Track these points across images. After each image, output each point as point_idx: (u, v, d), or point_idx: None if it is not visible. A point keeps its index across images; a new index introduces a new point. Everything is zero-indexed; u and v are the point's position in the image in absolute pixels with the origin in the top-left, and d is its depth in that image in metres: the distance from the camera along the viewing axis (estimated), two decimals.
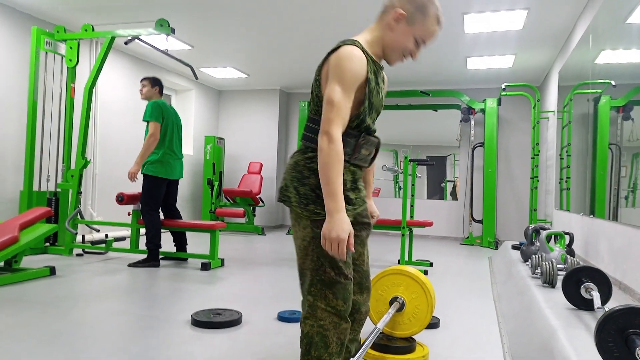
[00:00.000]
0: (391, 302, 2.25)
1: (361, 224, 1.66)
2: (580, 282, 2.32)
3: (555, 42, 5.75)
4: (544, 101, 7.26)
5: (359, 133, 1.54)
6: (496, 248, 6.95)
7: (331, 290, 1.47)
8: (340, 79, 1.42)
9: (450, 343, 2.56)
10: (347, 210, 1.49)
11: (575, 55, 5.07)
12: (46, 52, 5.15)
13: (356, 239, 1.64)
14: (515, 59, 6.47)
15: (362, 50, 1.48)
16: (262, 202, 8.33)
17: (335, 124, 1.40)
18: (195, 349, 2.32)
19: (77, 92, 5.33)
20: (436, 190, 9.53)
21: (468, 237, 7.70)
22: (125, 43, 4.94)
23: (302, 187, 1.51)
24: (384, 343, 2.24)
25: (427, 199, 8.85)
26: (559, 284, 2.72)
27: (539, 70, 7.08)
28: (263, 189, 8.90)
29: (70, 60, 5.03)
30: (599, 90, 4.21)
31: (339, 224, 1.36)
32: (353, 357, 1.68)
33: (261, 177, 8.56)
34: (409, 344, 2.25)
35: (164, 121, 4.54)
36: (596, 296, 2.17)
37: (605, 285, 2.26)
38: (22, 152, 5.22)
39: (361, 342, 1.79)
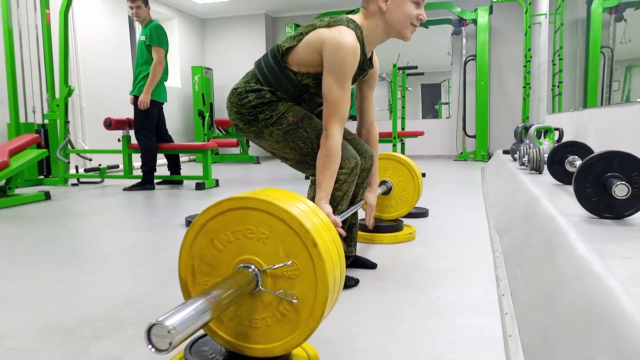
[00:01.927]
0: (380, 185, 2.29)
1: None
2: (565, 158, 2.34)
3: None
4: (536, 6, 7.05)
5: (305, 90, 1.61)
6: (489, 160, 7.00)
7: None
8: (339, 75, 1.48)
9: (438, 226, 2.62)
10: None
11: None
12: None
13: None
14: None
15: (358, 39, 1.50)
16: None
17: (334, 122, 1.48)
18: None
19: (53, 18, 5.14)
20: (430, 111, 9.49)
21: (462, 153, 7.73)
22: None
23: (243, 108, 1.61)
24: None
25: (422, 119, 8.81)
26: (546, 170, 2.75)
27: None
28: (235, 131, 8.81)
29: None
30: None
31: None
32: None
33: None
34: (396, 224, 2.31)
35: (165, 46, 4.40)
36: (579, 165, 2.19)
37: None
38: (4, 84, 5.11)
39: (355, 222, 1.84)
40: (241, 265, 1.00)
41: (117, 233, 2.66)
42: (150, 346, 0.72)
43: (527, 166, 3.11)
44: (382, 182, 2.29)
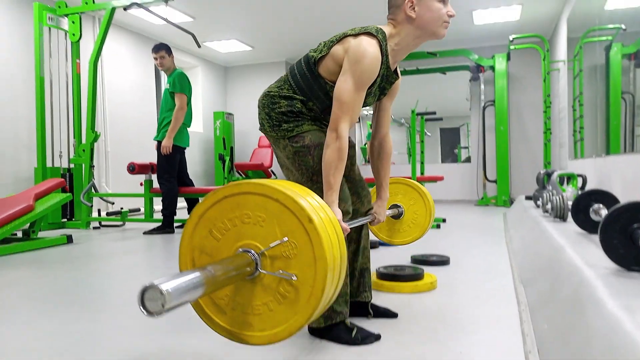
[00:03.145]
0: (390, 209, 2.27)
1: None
2: (589, 206, 2.29)
3: None
4: (554, 52, 7.10)
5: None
6: (511, 206, 6.89)
7: (345, 217, 1.53)
8: (355, 77, 1.46)
9: (460, 275, 2.56)
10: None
11: (582, 1, 4.93)
12: (49, 28, 5.18)
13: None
14: (522, 9, 6.32)
15: (382, 49, 1.50)
16: (274, 174, 8.36)
17: (344, 122, 1.46)
18: None
19: (83, 67, 5.36)
20: (449, 155, 9.48)
21: (482, 198, 7.64)
22: (125, 9, 4.91)
23: (273, 112, 1.61)
24: (393, 273, 2.25)
25: (441, 163, 8.79)
26: (570, 218, 2.69)
27: (546, 21, 6.91)
28: (274, 161, 8.91)
29: (74, 34, 5.06)
30: (610, 37, 4.09)
31: None
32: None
33: (272, 150, 8.57)
34: (417, 272, 2.26)
35: (188, 93, 4.53)
36: (605, 215, 2.14)
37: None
38: (33, 130, 5.29)
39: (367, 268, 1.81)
40: (241, 250, 1.00)
41: (134, 279, 2.66)
42: (142, 308, 0.72)
43: (550, 213, 3.04)
44: (394, 206, 2.26)
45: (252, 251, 0.99)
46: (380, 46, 1.49)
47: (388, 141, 1.81)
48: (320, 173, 1.52)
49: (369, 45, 1.46)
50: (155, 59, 4.56)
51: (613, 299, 1.14)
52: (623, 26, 3.80)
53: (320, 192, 1.53)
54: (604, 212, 2.17)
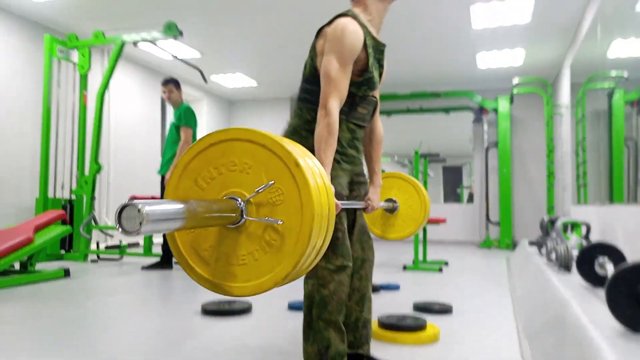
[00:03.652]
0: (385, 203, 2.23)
1: (358, 183, 1.71)
2: (594, 259, 2.26)
3: (565, 34, 5.70)
4: (557, 97, 7.17)
5: (353, 95, 1.56)
6: (514, 249, 6.82)
7: (330, 248, 1.46)
8: (338, 53, 1.45)
9: (463, 326, 2.50)
10: (345, 167, 1.55)
11: (585, 48, 5.00)
12: (59, 60, 5.26)
13: (357, 198, 1.69)
14: (525, 54, 6.42)
15: (359, 22, 1.50)
16: None
17: (332, 98, 1.44)
18: (204, 333, 2.30)
19: (90, 99, 5.42)
20: (452, 195, 9.46)
21: (485, 240, 7.57)
22: (134, 44, 5.00)
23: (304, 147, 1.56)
24: (395, 323, 2.20)
25: (444, 203, 8.77)
26: (575, 268, 2.65)
27: (549, 66, 7.00)
28: None
29: (83, 67, 5.14)
30: (612, 85, 4.14)
31: None
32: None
33: None
34: (419, 323, 2.20)
35: (194, 127, 4.56)
36: (610, 270, 2.11)
37: (619, 260, 2.19)
38: (37, 159, 5.31)
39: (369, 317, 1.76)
40: (226, 197, 0.97)
41: (131, 321, 2.60)
42: (118, 225, 0.70)
43: (554, 263, 3.00)
44: (389, 200, 2.22)
45: (238, 199, 0.96)
46: (356, 19, 1.51)
47: (378, 126, 1.79)
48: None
49: (345, 22, 1.47)
50: (164, 92, 4.61)
51: None
52: (625, 74, 3.84)
53: None
54: (609, 266, 2.14)
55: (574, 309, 1.73)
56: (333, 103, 1.44)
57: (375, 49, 1.58)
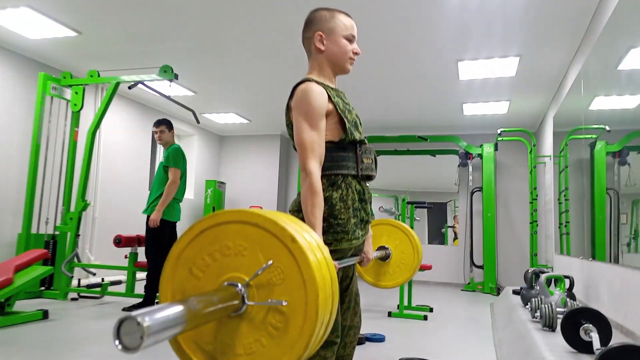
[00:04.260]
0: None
1: (358, 254, 1.74)
2: (579, 324, 2.29)
3: (549, 88, 5.89)
4: (540, 146, 7.35)
5: (354, 146, 1.63)
6: (498, 294, 6.84)
7: (324, 350, 1.48)
8: (305, 115, 1.52)
9: None
10: (350, 242, 1.56)
11: (569, 102, 5.17)
12: (52, 97, 5.27)
13: (351, 267, 1.72)
14: (510, 105, 6.61)
15: (317, 83, 1.59)
16: None
17: (310, 160, 1.48)
18: None
19: (81, 135, 5.41)
20: (436, 236, 9.50)
21: (469, 283, 7.59)
22: (130, 87, 5.07)
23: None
24: None
25: (428, 244, 8.80)
26: (559, 327, 2.68)
27: (534, 116, 7.21)
28: None
29: (75, 104, 5.15)
30: (594, 136, 4.26)
31: None
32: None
33: None
34: None
35: (182, 168, 4.54)
36: (595, 338, 2.14)
37: (605, 327, 2.23)
38: (22, 194, 5.25)
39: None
40: (225, 284, 0.93)
41: None
42: (118, 343, 0.67)
43: (539, 321, 3.02)
44: (381, 248, 2.21)
45: (238, 284, 0.92)
46: (314, 81, 1.58)
47: None
48: None
49: (305, 86, 1.55)
50: (155, 132, 4.63)
51: None
52: (607, 127, 3.95)
53: None
54: (593, 334, 2.17)
55: None
56: (312, 164, 1.48)
57: (338, 96, 1.67)
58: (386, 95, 6.27)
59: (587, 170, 4.51)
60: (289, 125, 1.63)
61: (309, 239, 0.97)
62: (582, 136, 4.70)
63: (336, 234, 1.53)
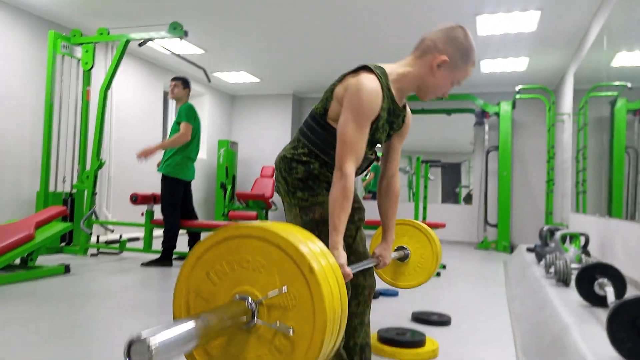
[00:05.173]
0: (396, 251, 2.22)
1: (354, 209, 1.68)
2: (593, 279, 2.28)
3: (570, 44, 5.69)
4: (559, 104, 7.18)
5: None
6: (511, 252, 6.86)
7: None
8: (355, 114, 1.44)
9: (462, 340, 2.52)
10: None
11: (590, 58, 5.01)
12: (62, 56, 5.24)
13: (351, 224, 1.67)
14: (529, 61, 6.42)
15: (381, 83, 1.49)
16: (275, 205, 8.35)
17: (349, 161, 1.43)
18: None
19: (93, 95, 5.41)
20: (450, 195, 9.47)
21: (483, 242, 7.61)
22: (140, 45, 5.01)
23: (289, 177, 1.60)
24: (394, 338, 2.22)
25: (442, 203, 8.80)
26: (573, 283, 2.68)
27: (553, 73, 7.01)
28: (275, 192, 8.91)
29: (86, 63, 5.12)
30: (615, 93, 4.15)
31: (336, 258, 1.37)
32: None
33: (274, 181, 8.57)
34: (419, 339, 2.23)
35: (195, 124, 4.56)
36: (610, 291, 2.13)
37: (619, 282, 2.22)
38: (38, 154, 5.31)
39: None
40: (237, 296, 0.94)
41: (131, 326, 2.62)
42: None
43: (553, 277, 3.03)
44: (400, 248, 2.21)
45: (249, 298, 0.93)
46: (379, 80, 1.48)
47: (396, 182, 1.78)
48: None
49: (367, 79, 1.45)
50: (170, 86, 4.65)
51: None
52: (629, 84, 3.84)
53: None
54: (608, 288, 2.16)
55: (574, 337, 1.75)
56: (349, 165, 1.43)
57: (390, 111, 1.57)
58: (401, 51, 6.10)
59: (606, 128, 4.42)
60: (330, 92, 1.55)
61: (325, 264, 0.97)
62: (602, 93, 4.58)
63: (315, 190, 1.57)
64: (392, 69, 1.56)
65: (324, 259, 0.98)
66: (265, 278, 0.94)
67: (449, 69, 1.53)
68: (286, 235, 0.93)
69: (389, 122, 1.60)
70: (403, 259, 2.20)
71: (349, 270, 1.37)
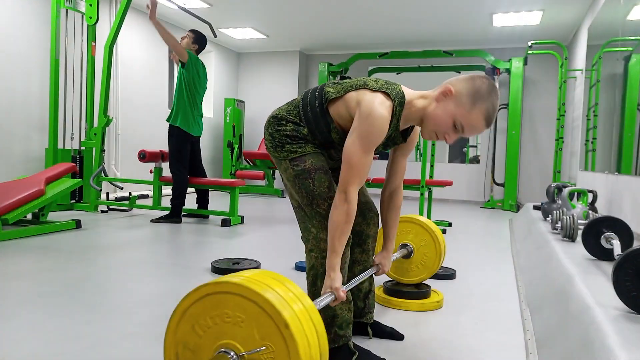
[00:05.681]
0: (400, 249, 2.26)
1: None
2: (600, 233, 2.29)
3: None
4: (572, 60, 7.02)
5: (331, 143, 1.63)
6: (517, 211, 6.87)
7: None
8: (364, 140, 1.44)
9: (466, 292, 2.57)
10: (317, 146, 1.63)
11: (606, 11, 4.85)
12: (66, 10, 5.16)
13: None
14: (542, 15, 6.23)
15: (394, 114, 1.49)
16: None
17: (353, 185, 1.45)
18: None
19: (98, 50, 5.35)
20: (457, 154, 9.43)
21: (489, 201, 7.62)
22: None
23: (277, 133, 1.62)
24: (398, 289, 2.26)
25: (448, 162, 8.77)
26: (580, 238, 2.68)
27: (567, 28, 6.81)
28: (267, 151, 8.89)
29: (90, 17, 5.04)
30: (630, 49, 4.04)
31: (332, 281, 1.42)
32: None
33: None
34: (424, 290, 2.27)
35: (196, 71, 4.55)
36: (617, 245, 2.14)
37: (626, 235, 2.22)
38: (46, 110, 5.30)
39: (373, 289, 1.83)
40: (221, 350, 1.01)
41: (143, 277, 2.68)
42: None
43: (560, 232, 3.04)
44: (403, 246, 2.25)
45: (232, 352, 0.99)
46: (393, 109, 1.48)
47: (399, 194, 1.80)
48: (321, 197, 1.55)
49: (380, 106, 1.44)
50: (183, 36, 4.68)
51: (625, 351, 1.15)
52: None
53: (319, 217, 1.55)
54: (615, 242, 2.17)
55: (578, 287, 1.77)
56: (354, 190, 1.44)
57: (389, 137, 1.58)
58: (411, 5, 5.95)
59: (619, 85, 4.33)
60: (344, 89, 1.54)
61: (299, 308, 1.02)
62: (617, 49, 4.46)
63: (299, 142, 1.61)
64: (410, 95, 1.54)
65: (298, 304, 1.02)
66: (246, 332, 0.99)
67: (452, 102, 1.44)
68: (262, 290, 0.98)
69: (382, 144, 1.60)
70: (406, 256, 2.24)
71: (344, 295, 1.41)
